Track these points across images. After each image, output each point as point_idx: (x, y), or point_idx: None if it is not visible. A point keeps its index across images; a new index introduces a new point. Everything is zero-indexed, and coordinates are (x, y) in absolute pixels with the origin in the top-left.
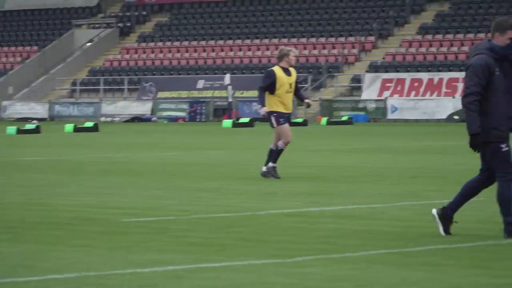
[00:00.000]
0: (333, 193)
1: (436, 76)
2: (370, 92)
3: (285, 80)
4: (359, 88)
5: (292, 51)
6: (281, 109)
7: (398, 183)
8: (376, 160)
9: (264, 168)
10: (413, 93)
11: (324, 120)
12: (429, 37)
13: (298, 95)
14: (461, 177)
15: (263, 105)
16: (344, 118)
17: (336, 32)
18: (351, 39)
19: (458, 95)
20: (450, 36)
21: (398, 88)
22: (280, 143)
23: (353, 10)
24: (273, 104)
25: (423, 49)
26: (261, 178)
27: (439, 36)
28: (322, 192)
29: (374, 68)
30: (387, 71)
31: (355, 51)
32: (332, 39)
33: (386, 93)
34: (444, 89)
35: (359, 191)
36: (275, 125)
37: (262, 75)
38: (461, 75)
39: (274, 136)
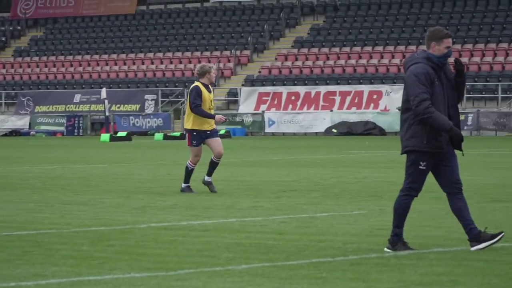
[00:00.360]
0: (213, 206)
1: (313, 89)
2: (247, 105)
3: (207, 97)
4: (236, 102)
5: (213, 67)
6: (202, 126)
7: (277, 196)
8: (254, 173)
9: (183, 186)
10: (290, 106)
11: None
12: (305, 50)
13: None
14: (340, 190)
15: (213, 116)
16: (222, 132)
17: (212, 46)
18: (227, 53)
19: (336, 108)
20: (325, 50)
21: (275, 102)
22: (189, 163)
23: (227, 24)
24: (194, 121)
25: (299, 63)
26: (135, 191)
27: (315, 50)
28: (202, 205)
29: (250, 82)
30: (263, 85)
31: (230, 65)
32: (208, 53)
33: (263, 107)
34: (321, 103)
35: (239, 204)
36: (187, 144)
37: (191, 94)
38: (338, 88)
39: (211, 150)
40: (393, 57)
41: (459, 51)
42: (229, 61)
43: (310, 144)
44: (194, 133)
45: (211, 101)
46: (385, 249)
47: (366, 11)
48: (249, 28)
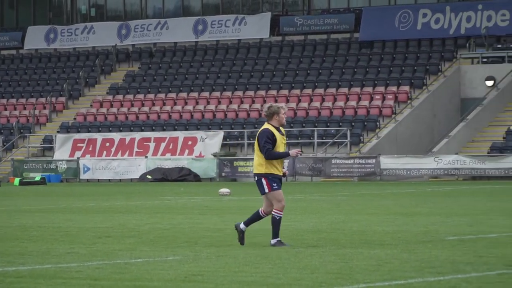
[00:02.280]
0: (28, 253)
1: (127, 136)
2: (62, 152)
3: (279, 141)
4: (51, 149)
5: (282, 107)
6: (275, 170)
7: (93, 242)
8: (69, 220)
9: (272, 241)
10: (105, 153)
11: (16, 180)
12: (120, 97)
13: None
14: (155, 236)
15: (287, 153)
16: (37, 179)
17: (27, 93)
18: (42, 99)
19: (151, 155)
20: (141, 96)
21: (90, 148)
22: (275, 212)
23: (43, 71)
24: (267, 165)
25: (114, 109)
26: None
27: (130, 96)
28: (17, 251)
29: (65, 128)
30: (78, 132)
31: (46, 111)
32: (23, 100)
33: (78, 153)
34: (136, 149)
35: (54, 251)
36: (266, 190)
37: (261, 138)
38: (153, 134)
39: (265, 203)
40: (208, 103)
41: (274, 96)
42: (44, 108)
43: (125, 191)
44: (270, 176)
45: (284, 145)
46: None
47: (181, 57)
48: (64, 75)
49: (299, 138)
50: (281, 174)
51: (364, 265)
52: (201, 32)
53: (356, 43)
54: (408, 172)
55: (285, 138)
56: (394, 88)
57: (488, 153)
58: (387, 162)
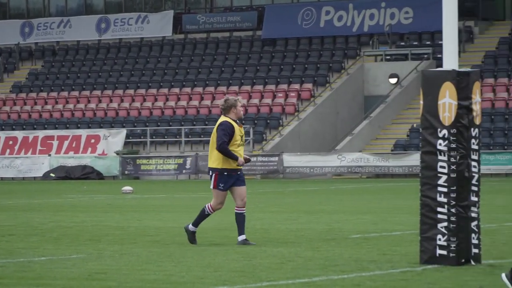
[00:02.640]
0: None
1: (31, 134)
2: None
3: (238, 133)
4: None
5: (239, 100)
6: (232, 165)
7: None
8: None
9: (190, 227)
10: (8, 151)
11: None
12: (23, 95)
13: None
14: (58, 234)
15: (236, 157)
16: None
17: None
18: None
19: (54, 153)
20: (44, 94)
21: None
22: (207, 207)
23: None
24: (224, 159)
25: (17, 108)
26: None
27: (33, 94)
28: None
29: None
30: None
31: None
32: None
33: None
34: (39, 147)
35: None
36: (212, 186)
37: (220, 130)
38: (56, 132)
39: (234, 199)
40: (110, 101)
41: (177, 94)
42: None
43: (28, 189)
44: (225, 173)
45: (241, 137)
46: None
47: (84, 55)
48: None
49: (202, 136)
50: (237, 168)
51: (267, 263)
52: (104, 30)
53: (258, 41)
54: (311, 170)
55: (242, 129)
56: (297, 86)
57: (391, 150)
58: (290, 160)
